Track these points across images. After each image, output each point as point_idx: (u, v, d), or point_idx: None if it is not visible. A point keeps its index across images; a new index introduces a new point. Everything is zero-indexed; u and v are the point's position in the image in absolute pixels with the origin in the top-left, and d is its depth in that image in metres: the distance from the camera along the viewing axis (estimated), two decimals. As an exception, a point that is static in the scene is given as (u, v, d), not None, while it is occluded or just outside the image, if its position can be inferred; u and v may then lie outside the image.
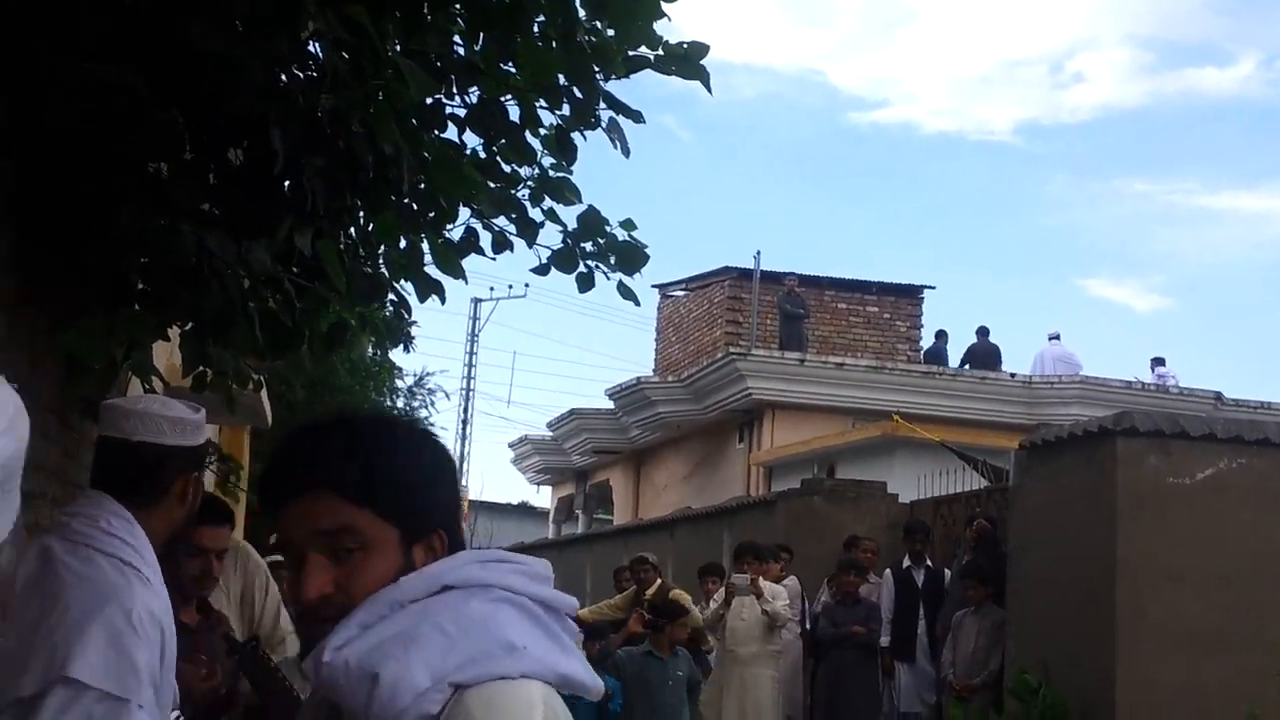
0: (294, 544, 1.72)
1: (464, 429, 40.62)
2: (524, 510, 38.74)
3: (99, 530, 2.78)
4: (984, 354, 23.18)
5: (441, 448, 1.82)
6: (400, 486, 1.71)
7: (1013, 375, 22.05)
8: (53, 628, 2.58)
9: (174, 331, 4.36)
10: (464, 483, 38.78)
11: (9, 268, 3.58)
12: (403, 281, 4.72)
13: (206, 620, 3.93)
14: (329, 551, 1.69)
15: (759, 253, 24.98)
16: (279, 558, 9.72)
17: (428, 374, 21.04)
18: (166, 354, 5.51)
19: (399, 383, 19.98)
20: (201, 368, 4.42)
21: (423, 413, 20.96)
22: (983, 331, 23.74)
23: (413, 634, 1.63)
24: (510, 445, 33.11)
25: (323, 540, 1.69)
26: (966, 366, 22.79)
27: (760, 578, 10.82)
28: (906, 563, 11.54)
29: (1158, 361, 23.90)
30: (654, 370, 27.70)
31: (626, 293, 5.00)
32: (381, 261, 4.71)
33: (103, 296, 4.02)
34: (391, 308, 4.87)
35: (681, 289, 27.84)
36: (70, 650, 2.54)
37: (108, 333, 3.88)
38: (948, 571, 11.26)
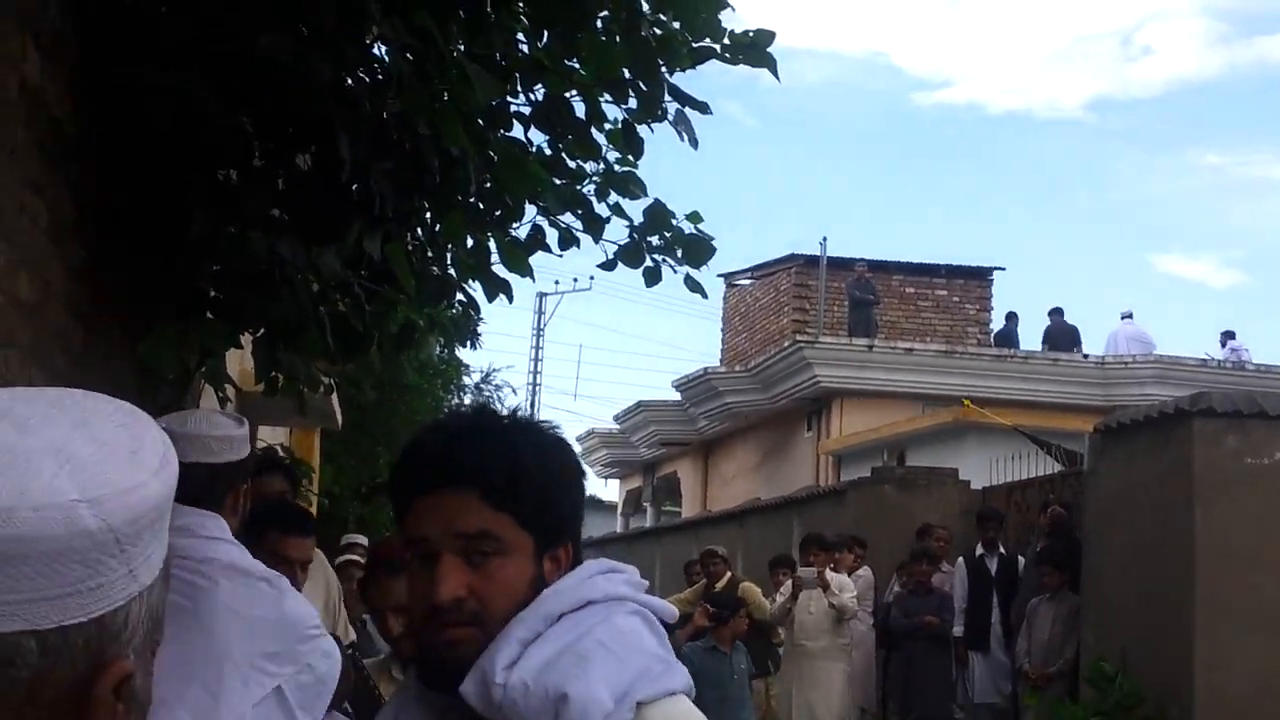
0: (427, 540, 1.67)
1: (532, 423, 40.69)
2: (592, 504, 38.74)
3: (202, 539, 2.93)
4: (1061, 334, 22.86)
5: (574, 455, 1.81)
6: (542, 494, 1.68)
7: (1085, 356, 21.75)
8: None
9: (245, 338, 4.41)
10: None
11: (85, 279, 3.63)
12: (470, 281, 4.75)
13: None
14: (464, 554, 1.65)
15: (825, 239, 24.84)
16: (350, 557, 9.94)
17: (494, 370, 21.13)
18: (238, 361, 5.57)
19: (466, 380, 20.09)
20: (273, 373, 4.47)
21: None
22: (1057, 312, 23.42)
23: (582, 651, 1.63)
24: (577, 439, 33.17)
25: (459, 542, 1.65)
26: (1045, 348, 22.50)
27: (827, 569, 10.76)
28: (979, 550, 11.43)
29: (1228, 335, 23.49)
30: (720, 360, 27.63)
31: (694, 286, 4.99)
32: (449, 262, 4.73)
33: (176, 305, 4.07)
34: (459, 308, 4.90)
35: (747, 277, 27.75)
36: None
37: (182, 341, 3.92)
38: (1021, 559, 11.14)
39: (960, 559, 11.57)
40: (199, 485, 3.08)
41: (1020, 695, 10.24)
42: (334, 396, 8.39)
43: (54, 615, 0.88)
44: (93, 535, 0.89)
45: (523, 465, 1.66)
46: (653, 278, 4.87)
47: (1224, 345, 23.19)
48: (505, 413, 1.81)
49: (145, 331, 3.85)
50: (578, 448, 25.23)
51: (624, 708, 1.60)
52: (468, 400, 20.20)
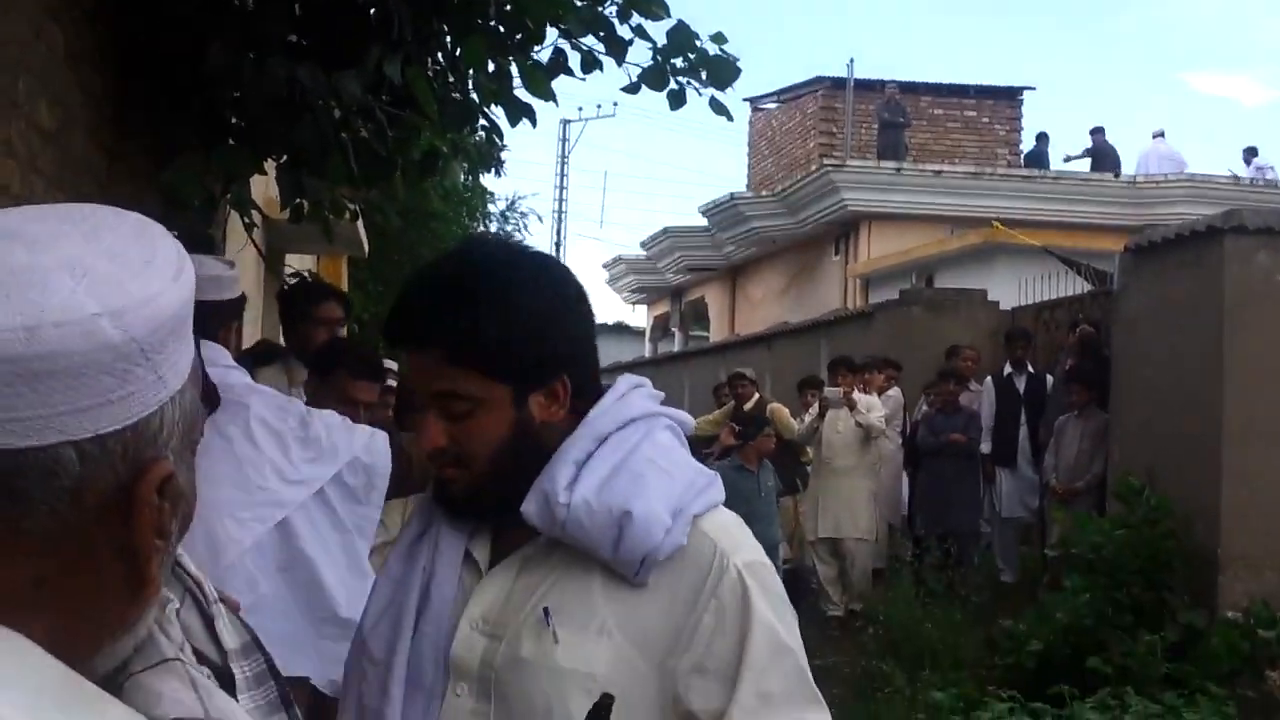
0: (417, 394, 1.76)
1: (557, 251, 40.79)
2: (620, 329, 38.98)
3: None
4: (1103, 155, 22.52)
5: (564, 286, 1.78)
6: (507, 346, 1.69)
7: (1116, 175, 21.48)
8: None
9: (269, 166, 4.39)
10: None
11: (105, 108, 3.61)
12: (493, 106, 4.69)
13: None
14: (441, 409, 1.72)
15: (852, 60, 24.48)
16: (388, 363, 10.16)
17: (519, 198, 21.05)
18: (263, 189, 5.56)
19: (491, 208, 20.03)
20: (298, 200, 4.46)
21: (516, 236, 21.03)
22: (1098, 131, 23.03)
23: (635, 470, 1.72)
24: (604, 266, 33.19)
25: (435, 399, 1.72)
26: (1088, 167, 22.18)
27: (854, 390, 10.83)
28: (1007, 370, 11.46)
29: (1251, 152, 23.06)
30: (747, 185, 27.42)
31: (719, 108, 4.93)
32: (470, 87, 4.67)
33: (198, 134, 4.05)
34: (483, 133, 4.85)
35: (773, 101, 27.35)
36: None
37: (205, 169, 3.91)
38: (1049, 377, 11.17)
39: (989, 378, 11.62)
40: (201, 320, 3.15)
41: (1047, 510, 10.37)
42: (359, 224, 8.39)
43: (89, 425, 0.90)
44: (116, 348, 0.90)
45: (483, 321, 1.67)
46: (677, 101, 4.81)
47: (1248, 163, 22.79)
48: (487, 255, 1.79)
49: (168, 160, 3.84)
50: (601, 275, 25.09)
51: (681, 522, 1.70)
52: (493, 229, 20.16)
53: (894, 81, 24.01)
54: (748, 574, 1.72)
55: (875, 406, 10.97)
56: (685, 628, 1.70)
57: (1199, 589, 7.99)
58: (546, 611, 1.70)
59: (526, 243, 1.88)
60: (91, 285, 0.90)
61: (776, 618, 1.74)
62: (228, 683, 1.25)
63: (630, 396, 1.82)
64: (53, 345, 0.87)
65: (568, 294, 1.78)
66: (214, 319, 3.17)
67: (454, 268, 1.76)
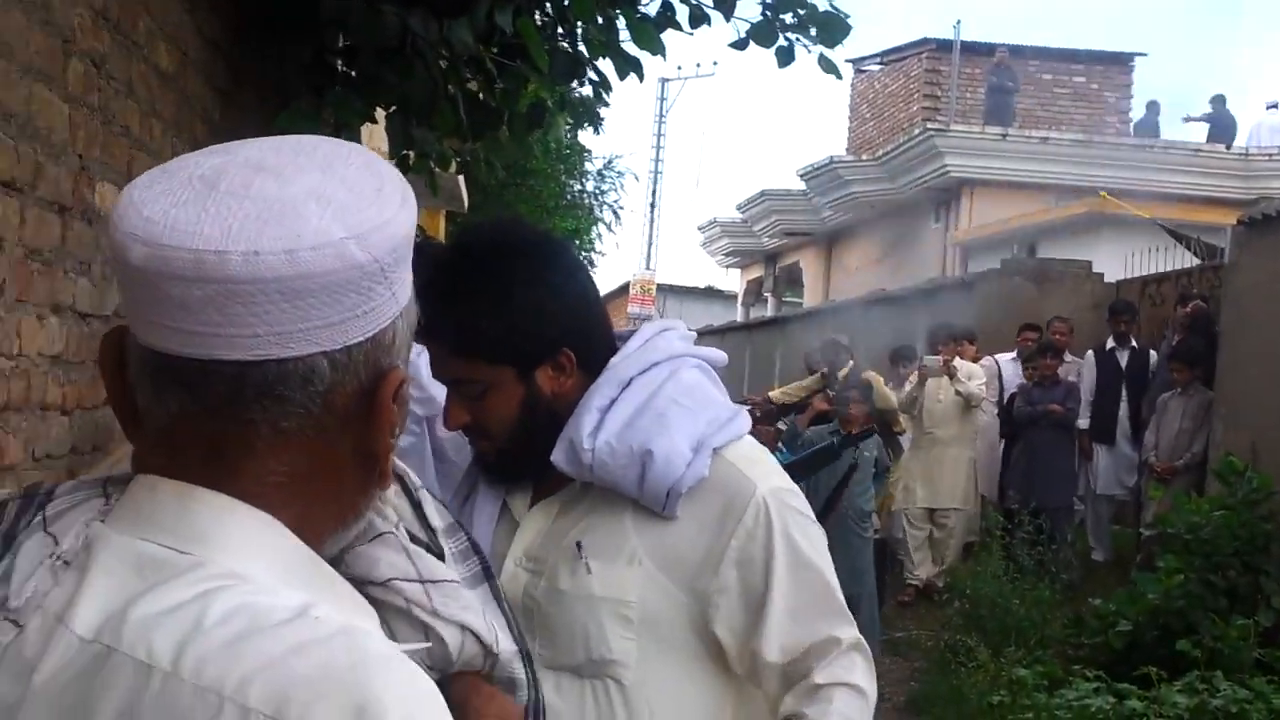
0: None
1: (652, 212, 40.75)
2: (711, 293, 38.87)
3: None
4: (1223, 125, 21.97)
5: (555, 267, 1.87)
6: (505, 334, 1.81)
7: (1228, 147, 20.94)
8: None
9: (379, 115, 4.41)
10: (651, 267, 39.03)
11: (221, 52, 3.64)
12: (601, 59, 4.67)
13: None
14: (458, 392, 1.86)
15: (959, 22, 24.09)
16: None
17: (616, 157, 21.05)
18: (369, 140, 5.59)
19: (588, 166, 20.06)
20: (405, 150, 4.48)
21: (612, 195, 21.04)
22: (1219, 99, 22.46)
23: (659, 409, 1.84)
24: (699, 228, 33.07)
25: (452, 385, 1.86)
26: (1204, 133, 21.65)
27: (953, 358, 10.71)
28: (1110, 344, 11.25)
29: (1273, 106, 22.21)
30: (846, 149, 27.13)
31: (828, 66, 4.86)
32: (579, 39, 4.66)
33: (308, 80, 4.08)
34: (591, 86, 4.84)
35: (877, 63, 27.00)
36: None
37: (317, 115, 3.94)
38: (1153, 353, 10.94)
39: (1090, 352, 11.40)
40: None
41: (1144, 488, 10.18)
42: (461, 178, 8.43)
43: (339, 337, 1.02)
44: (363, 267, 1.01)
45: (478, 315, 1.80)
46: (785, 57, 4.75)
47: None
48: (479, 246, 1.89)
49: (280, 106, 3.87)
50: (696, 237, 24.98)
51: (703, 455, 1.83)
52: (590, 187, 20.19)
53: (1004, 45, 23.58)
54: (772, 499, 1.85)
55: (976, 374, 10.84)
56: (713, 552, 1.84)
57: (1298, 574, 7.81)
58: (579, 545, 1.85)
59: (520, 223, 2.11)
60: (337, 212, 1.01)
61: (802, 535, 1.87)
62: (437, 557, 1.44)
63: (655, 341, 1.93)
64: (310, 266, 0.98)
65: (559, 274, 1.87)
66: None
67: (450, 262, 1.86)
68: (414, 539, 1.42)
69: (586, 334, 1.90)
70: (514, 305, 1.81)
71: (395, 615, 1.36)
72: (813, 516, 1.94)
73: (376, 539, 1.33)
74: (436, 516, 1.48)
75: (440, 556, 1.46)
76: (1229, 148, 20.82)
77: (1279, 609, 7.54)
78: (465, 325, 1.80)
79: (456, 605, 1.40)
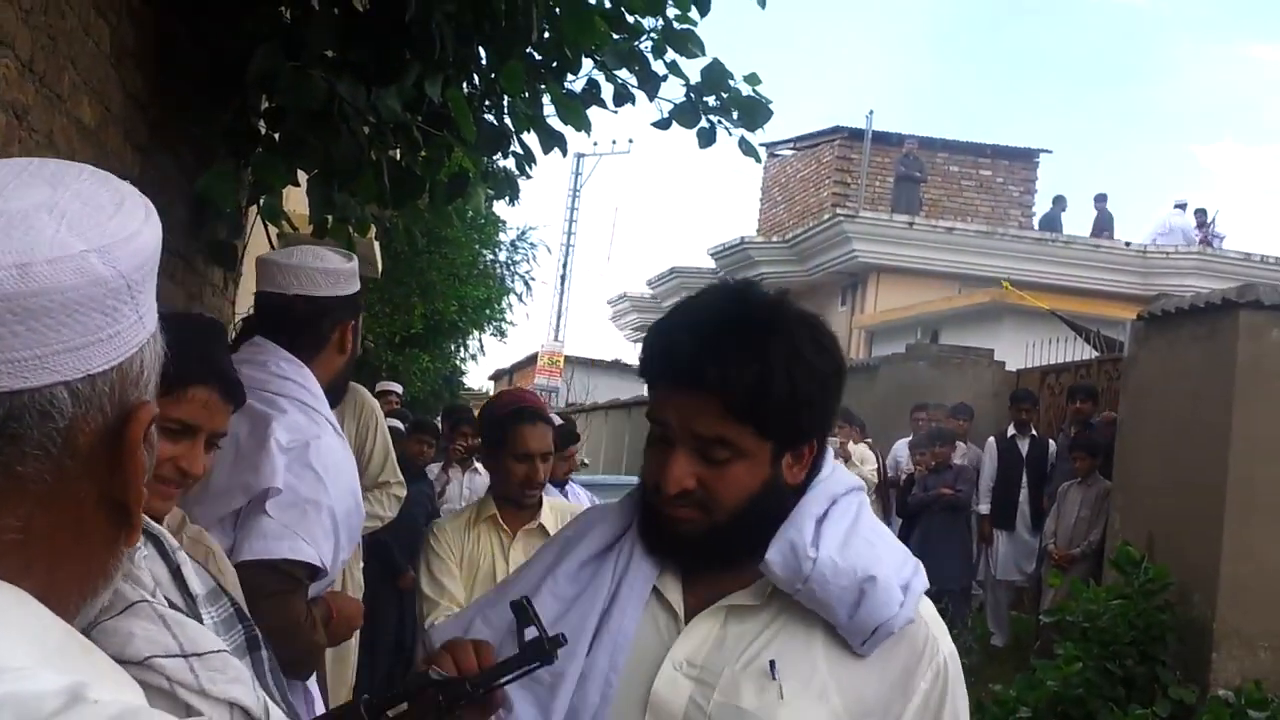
0: (666, 426, 1.70)
1: (562, 284, 40.81)
2: (619, 367, 38.92)
3: (271, 375, 2.85)
4: (1105, 223, 22.69)
5: (835, 354, 1.74)
6: (788, 406, 1.65)
7: (1128, 244, 21.53)
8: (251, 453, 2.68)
9: (301, 180, 4.38)
10: (560, 339, 39.06)
11: (143, 108, 3.60)
12: (526, 132, 4.70)
13: None
14: (698, 451, 1.67)
15: (871, 112, 24.53)
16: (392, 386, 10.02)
17: (530, 228, 21.10)
18: (288, 201, 5.55)
19: (502, 236, 20.08)
20: (325, 215, 4.45)
21: (524, 266, 21.06)
22: (1101, 198, 23.17)
23: (866, 537, 1.73)
24: (609, 302, 33.20)
25: (695, 440, 1.67)
26: (1092, 234, 22.27)
27: (850, 441, 10.82)
28: (1011, 431, 11.43)
29: (1201, 214, 23.05)
30: (758, 231, 27.46)
31: (748, 149, 4.93)
32: (506, 111, 4.68)
33: (232, 142, 4.04)
34: (514, 159, 4.85)
35: (790, 148, 27.44)
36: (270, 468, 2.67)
37: (239, 176, 3.91)
38: (1052, 443, 11.14)
39: (991, 439, 11.58)
40: (303, 319, 3.08)
41: (1044, 575, 10.31)
42: (376, 245, 8.39)
43: (81, 365, 0.90)
44: (106, 282, 0.90)
45: (771, 379, 1.63)
46: (707, 139, 4.81)
47: (1200, 226, 22.75)
48: (767, 305, 1.72)
49: (200, 165, 3.83)
50: (605, 311, 24.95)
51: (911, 598, 1.71)
52: (503, 257, 20.16)
53: (913, 136, 24.10)
54: (950, 664, 1.75)
55: (868, 459, 10.95)
56: (892, 707, 1.70)
57: (1192, 664, 7.94)
58: (773, 664, 1.68)
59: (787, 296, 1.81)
60: (73, 224, 0.90)
61: (963, 709, 1.76)
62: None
63: (837, 464, 1.84)
64: (46, 282, 0.87)
65: (839, 362, 1.75)
66: (328, 317, 3.06)
67: (737, 314, 1.69)
68: (171, 606, 1.23)
69: (828, 418, 1.78)
70: (807, 381, 1.66)
71: (156, 696, 1.14)
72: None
73: (128, 610, 1.14)
74: (197, 581, 1.32)
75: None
76: (1129, 244, 21.40)
77: (1175, 699, 7.64)
78: (753, 386, 1.62)
79: (224, 679, 1.20)
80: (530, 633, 1.60)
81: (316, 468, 2.67)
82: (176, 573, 1.29)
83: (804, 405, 1.67)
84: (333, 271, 3.07)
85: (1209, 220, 23.01)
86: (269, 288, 3.06)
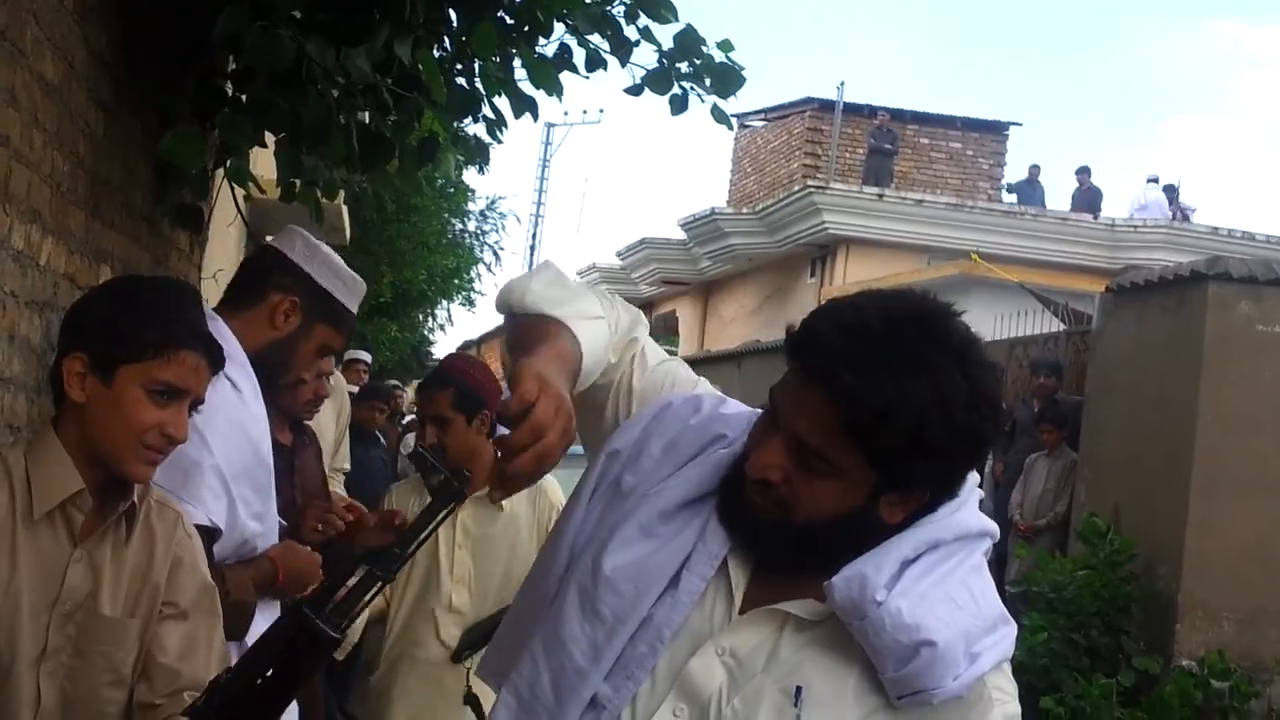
0: (779, 410, 1.60)
1: (532, 255, 40.72)
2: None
3: None
4: (1091, 198, 22.80)
5: (990, 417, 1.57)
6: (912, 446, 1.51)
7: (1095, 217, 21.63)
8: None
9: (269, 141, 4.33)
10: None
11: (108, 65, 3.54)
12: (497, 96, 4.64)
13: (300, 439, 3.98)
14: (797, 452, 1.57)
15: (843, 83, 24.53)
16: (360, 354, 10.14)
17: (499, 198, 21.01)
18: (256, 164, 5.49)
19: (471, 205, 19.99)
20: (292, 178, 4.40)
21: (493, 236, 20.99)
22: (1084, 171, 23.29)
23: (952, 593, 1.58)
24: (578, 273, 33.09)
25: (796, 441, 1.57)
26: (1072, 207, 22.40)
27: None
28: (978, 403, 11.45)
29: (1171, 190, 23.26)
30: (728, 202, 27.41)
31: (720, 116, 4.89)
32: (477, 75, 4.63)
33: (198, 102, 3.98)
34: (485, 123, 4.80)
35: (760, 119, 27.37)
36: None
37: (204, 139, 3.85)
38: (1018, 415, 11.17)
39: (958, 411, 11.60)
40: (255, 266, 3.05)
41: (1009, 546, 10.37)
42: (345, 211, 8.32)
43: None
44: None
45: (902, 410, 1.49)
46: (679, 106, 4.77)
47: (1171, 201, 22.95)
48: (940, 335, 1.55)
49: (166, 125, 3.77)
50: (591, 282, 25.02)
51: (972, 674, 1.56)
52: (472, 226, 20.06)
53: (884, 108, 24.09)
54: None
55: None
56: None
57: (1157, 635, 8.00)
58: (799, 691, 1.57)
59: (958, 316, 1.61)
60: None
61: None
62: None
63: (971, 504, 1.68)
64: None
65: (987, 426, 1.58)
66: (275, 277, 3.01)
67: (904, 331, 1.54)
68: None
69: (959, 479, 1.63)
70: (943, 429, 1.51)
71: None
72: None
73: None
74: None
75: None
76: (1096, 217, 21.50)
77: (1139, 670, 7.71)
78: (880, 413, 1.49)
79: None
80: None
81: (198, 425, 2.60)
82: None
83: (925, 452, 1.52)
84: (321, 255, 3.05)
85: (1177, 194, 23.16)
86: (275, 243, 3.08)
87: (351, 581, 1.73)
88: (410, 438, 8.96)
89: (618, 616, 1.64)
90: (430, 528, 1.66)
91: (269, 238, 3.10)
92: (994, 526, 1.72)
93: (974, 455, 1.60)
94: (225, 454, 2.73)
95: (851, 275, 21.20)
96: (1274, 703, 7.77)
